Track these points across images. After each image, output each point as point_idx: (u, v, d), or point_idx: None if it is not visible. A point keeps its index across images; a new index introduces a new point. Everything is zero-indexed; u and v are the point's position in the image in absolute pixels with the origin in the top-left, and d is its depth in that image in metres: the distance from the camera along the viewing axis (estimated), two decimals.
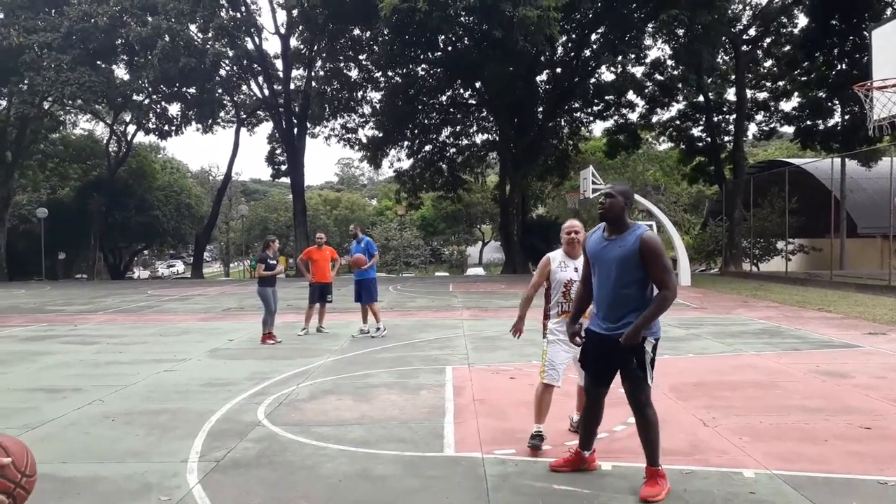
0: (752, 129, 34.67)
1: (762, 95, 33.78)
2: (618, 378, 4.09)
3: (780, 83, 32.35)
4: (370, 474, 4.35)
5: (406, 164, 39.20)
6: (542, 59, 29.41)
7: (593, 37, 31.07)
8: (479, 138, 39.32)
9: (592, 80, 34.07)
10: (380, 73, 34.01)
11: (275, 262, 10.60)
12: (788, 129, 34.29)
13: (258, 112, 38.50)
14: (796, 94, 31.52)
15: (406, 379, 7.40)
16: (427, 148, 38.44)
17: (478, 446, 4.89)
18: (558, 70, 33.81)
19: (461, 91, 36.30)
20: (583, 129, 38.34)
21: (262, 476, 4.35)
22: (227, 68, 33.80)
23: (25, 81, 28.91)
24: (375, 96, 36.35)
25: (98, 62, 30.60)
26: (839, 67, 27.82)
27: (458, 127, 38.55)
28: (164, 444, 5.12)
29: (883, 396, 6.26)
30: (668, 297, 3.80)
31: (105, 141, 41.12)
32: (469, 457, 4.66)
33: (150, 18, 27.75)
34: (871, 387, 6.68)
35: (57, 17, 30.13)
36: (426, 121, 36.69)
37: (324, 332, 11.22)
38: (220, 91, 34.26)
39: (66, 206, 38.30)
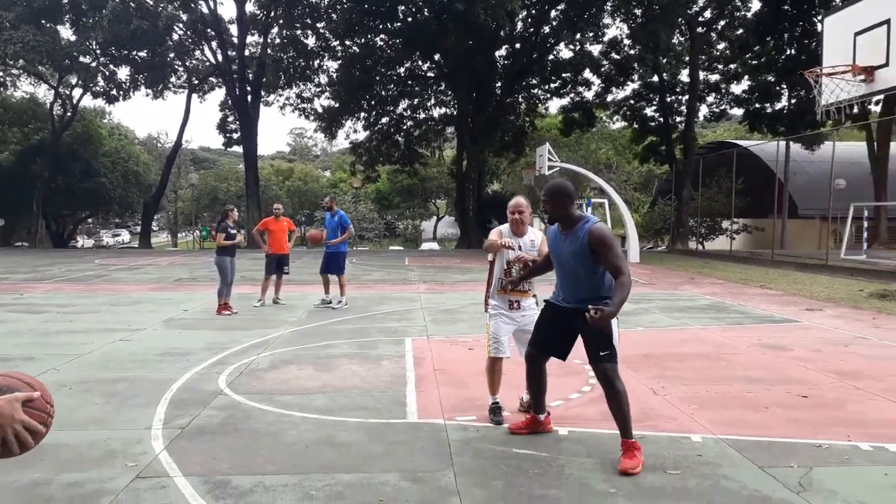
0: (704, 110, 35.53)
1: (714, 77, 34.53)
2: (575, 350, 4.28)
3: (732, 66, 33.08)
4: (335, 441, 4.45)
5: (362, 135, 38.88)
6: (502, 33, 29.43)
7: (553, 13, 31.16)
8: (436, 112, 39.22)
9: (550, 57, 34.24)
10: (337, 43, 33.47)
11: (234, 231, 10.51)
12: (738, 112, 35.21)
13: (210, 78, 37.48)
14: (747, 77, 32.30)
15: (366, 350, 7.49)
16: (384, 120, 38.13)
17: (440, 413, 5.03)
18: (517, 46, 33.86)
19: (420, 63, 36.03)
20: (540, 105, 38.55)
21: (227, 443, 4.41)
22: (181, 32, 32.77)
23: None
24: (332, 66, 35.82)
25: (43, 21, 29.29)
26: (788, 52, 28.58)
27: (416, 100, 38.33)
28: (125, 412, 5.11)
29: (819, 368, 6.64)
30: (625, 281, 3.94)
31: (49, 104, 39.49)
32: (431, 423, 4.80)
33: None
34: (808, 359, 7.07)
35: None
36: (383, 92, 36.32)
37: (280, 304, 11.20)
38: (171, 55, 33.20)
39: (5, 171, 36.79)
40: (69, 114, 38.12)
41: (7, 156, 39.71)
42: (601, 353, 4.08)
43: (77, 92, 37.58)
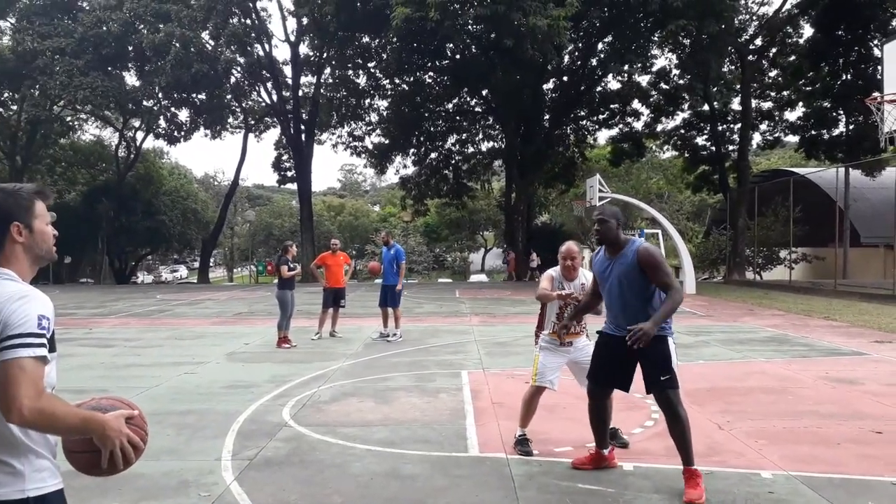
0: (757, 138, 34.87)
1: (767, 105, 33.97)
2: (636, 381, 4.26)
3: (785, 93, 32.54)
4: (399, 473, 4.50)
5: (411, 170, 39.44)
6: (550, 67, 29.64)
7: (600, 46, 31.31)
8: (484, 146, 39.57)
9: (598, 89, 34.31)
10: (387, 81, 34.26)
11: (295, 265, 10.80)
12: (793, 139, 34.48)
13: (266, 118, 38.75)
14: (801, 103, 31.68)
15: (424, 382, 7.55)
16: (433, 155, 38.66)
17: (501, 447, 5.04)
18: (565, 78, 34.05)
19: (468, 99, 36.54)
20: (588, 137, 38.53)
21: (294, 474, 4.51)
22: (238, 75, 34.10)
23: (38, 86, 29.19)
24: (382, 104, 36.62)
25: (109, 68, 30.91)
26: (844, 78, 28.00)
27: (465, 135, 38.80)
28: (196, 443, 5.27)
29: (893, 403, 6.40)
30: (675, 295, 3.98)
31: (114, 146, 41.40)
32: (494, 457, 4.81)
33: (162, 25, 28.01)
34: (880, 393, 6.82)
35: (71, 23, 30.49)
36: (432, 128, 36.92)
37: (337, 337, 11.38)
38: (229, 97, 34.54)
39: (73, 211, 38.49)
40: (132, 155, 39.86)
41: (75, 196, 41.64)
42: (662, 379, 4.06)
43: (140, 134, 39.33)
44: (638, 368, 4.26)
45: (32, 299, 1.76)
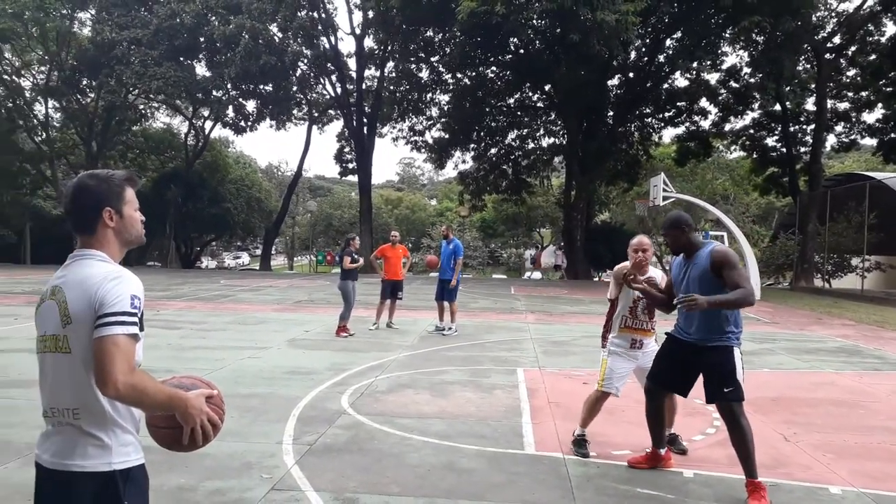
0: (831, 140, 33.50)
1: (843, 105, 32.55)
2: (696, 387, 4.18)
3: (864, 93, 31.09)
4: (456, 466, 4.52)
5: (470, 165, 39.39)
6: (615, 63, 29.12)
7: (668, 42, 30.57)
8: (545, 142, 39.17)
9: (665, 86, 33.51)
10: (449, 75, 34.28)
11: (358, 257, 10.95)
12: (870, 142, 32.97)
13: (329, 110, 39.35)
14: (880, 104, 30.25)
15: (479, 378, 7.56)
16: (493, 151, 38.51)
17: (558, 447, 5.01)
18: (630, 75, 33.38)
19: (530, 94, 36.23)
20: (653, 135, 37.71)
21: (353, 461, 4.59)
22: (304, 67, 34.72)
23: (114, 74, 30.41)
24: (444, 98, 36.67)
25: (181, 58, 31.93)
26: None
27: (525, 130, 38.48)
28: (258, 426, 5.42)
29: None
30: (747, 293, 3.90)
31: (183, 134, 42.79)
32: (551, 456, 4.79)
33: (232, 17, 28.76)
34: None
35: (147, 14, 31.65)
36: (493, 123, 36.75)
37: (394, 328, 11.51)
38: (294, 89, 35.22)
39: (143, 196, 38.94)
40: (201, 143, 41.10)
41: (145, 182, 43.22)
42: (725, 391, 4.00)
43: (208, 123, 40.51)
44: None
45: (126, 280, 1.86)
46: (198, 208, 40.41)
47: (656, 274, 4.83)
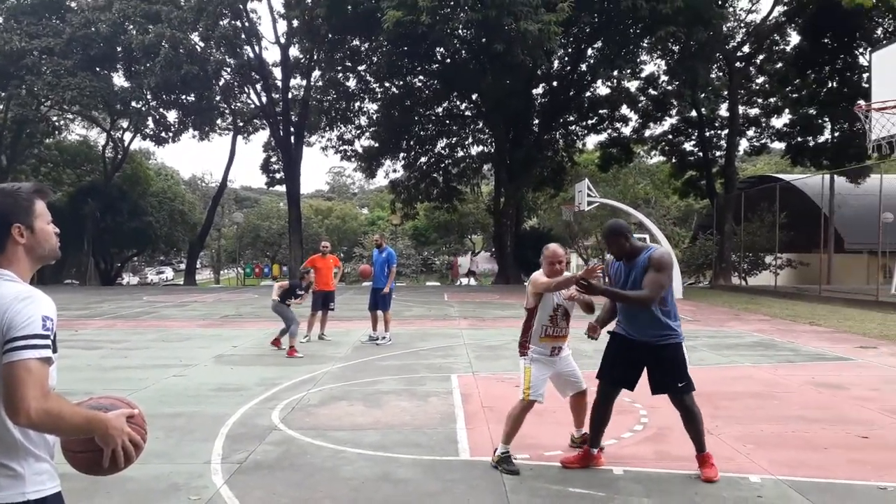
0: (744, 144, 35.17)
1: (754, 111, 34.27)
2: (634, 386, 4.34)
3: (772, 100, 32.84)
4: (391, 477, 4.50)
5: (401, 173, 39.40)
6: (539, 72, 29.74)
7: (590, 51, 31.46)
8: (474, 150, 39.59)
9: (588, 94, 34.46)
10: (377, 84, 34.23)
11: (301, 293, 10.52)
12: (779, 145, 34.81)
13: (255, 120, 38.58)
14: (787, 110, 32.01)
15: (414, 386, 7.55)
16: (423, 159, 38.64)
17: (492, 451, 5.04)
18: (554, 83, 34.16)
19: (458, 103, 36.57)
20: (577, 142, 38.69)
21: (285, 478, 4.50)
22: (227, 76, 33.94)
23: (24, 85, 28.96)
24: (372, 107, 36.59)
25: (98, 68, 30.68)
26: (830, 85, 28.32)
27: (454, 139, 38.79)
28: (185, 446, 5.25)
29: (878, 408, 6.48)
30: (643, 295, 4.18)
31: (101, 147, 41.05)
32: (485, 461, 4.82)
33: (151, 27, 27.85)
34: (866, 398, 6.90)
35: (59, 23, 30.27)
36: (422, 132, 36.91)
37: (326, 340, 11.36)
38: (218, 98, 34.37)
39: (59, 211, 37.68)
40: (120, 156, 39.54)
41: (61, 196, 41.24)
42: (679, 385, 4.35)
43: (128, 135, 39.04)
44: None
45: (36, 300, 1.76)
46: (118, 222, 38.80)
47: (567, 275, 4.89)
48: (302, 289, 10.41)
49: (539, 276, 4.87)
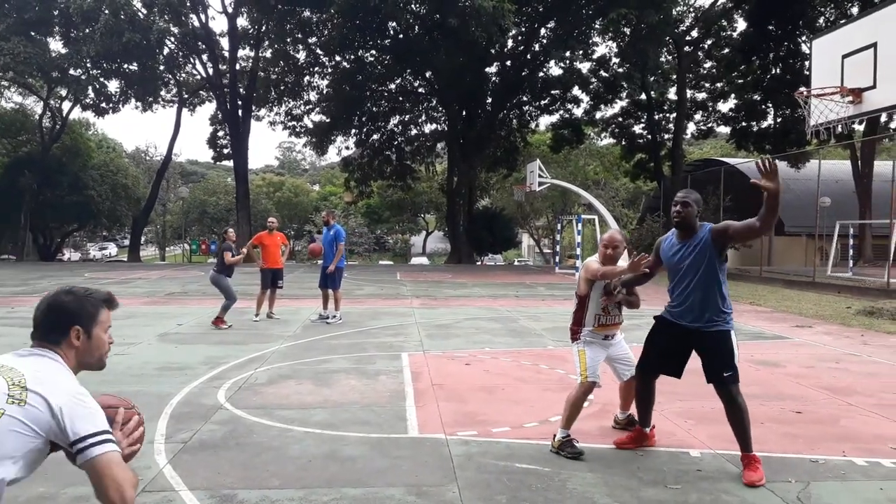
0: (691, 128, 35.94)
1: (701, 96, 35.01)
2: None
3: (719, 84, 33.59)
4: (338, 455, 4.47)
5: (353, 150, 38.98)
6: (493, 51, 29.70)
7: (543, 31, 31.54)
8: (427, 128, 39.43)
9: (540, 74, 34.59)
10: (328, 58, 33.64)
11: (242, 250, 10.54)
12: (725, 130, 35.66)
13: (201, 92, 37.52)
14: (733, 95, 32.77)
15: (364, 365, 7.52)
16: (375, 136, 38.29)
17: (440, 428, 5.07)
18: (508, 63, 34.20)
19: (411, 80, 36.27)
20: (530, 122, 38.89)
21: (230, 457, 4.42)
22: (172, 46, 32.83)
23: None
24: (322, 83, 35.97)
25: (33, 33, 29.28)
26: (774, 72, 29.05)
27: (407, 116, 38.54)
28: None
29: (812, 384, 6.75)
30: (756, 224, 4.01)
31: (38, 116, 39.32)
32: (433, 438, 4.84)
33: None
34: (800, 375, 7.18)
35: None
36: (375, 108, 36.53)
37: (274, 318, 11.21)
38: (162, 69, 33.26)
39: None
40: (58, 126, 37.97)
41: None
42: (725, 375, 4.12)
43: (67, 104, 37.50)
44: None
45: (89, 396, 2.02)
46: (57, 196, 37.43)
47: (624, 264, 4.74)
48: (229, 248, 10.46)
49: (592, 261, 4.71)
